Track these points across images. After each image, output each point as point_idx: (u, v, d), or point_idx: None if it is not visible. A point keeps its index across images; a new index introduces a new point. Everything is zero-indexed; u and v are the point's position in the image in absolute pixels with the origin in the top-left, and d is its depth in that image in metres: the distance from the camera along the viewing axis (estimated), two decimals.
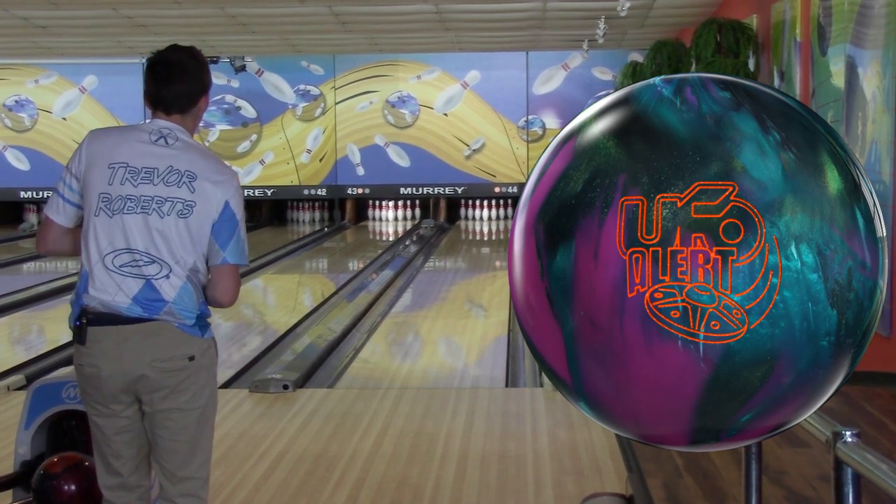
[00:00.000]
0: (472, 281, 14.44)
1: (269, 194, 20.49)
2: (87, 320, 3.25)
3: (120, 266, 3.22)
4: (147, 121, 3.40)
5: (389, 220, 20.89)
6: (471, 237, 19.34)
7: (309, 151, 20.38)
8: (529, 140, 19.77)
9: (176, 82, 3.33)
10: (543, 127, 19.72)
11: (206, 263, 3.32)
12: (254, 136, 20.47)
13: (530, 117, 19.76)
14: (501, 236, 19.09)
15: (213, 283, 3.31)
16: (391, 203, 20.87)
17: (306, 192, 20.43)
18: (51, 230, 3.41)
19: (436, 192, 20.26)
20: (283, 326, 10.40)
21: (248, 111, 20.50)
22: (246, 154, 20.44)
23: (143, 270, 3.22)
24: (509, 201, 20.49)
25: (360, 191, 20.41)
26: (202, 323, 3.31)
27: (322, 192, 20.47)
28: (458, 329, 10.62)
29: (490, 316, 11.44)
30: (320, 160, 20.35)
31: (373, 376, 8.32)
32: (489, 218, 20.65)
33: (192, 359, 3.26)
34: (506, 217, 20.54)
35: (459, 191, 20.19)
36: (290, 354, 8.56)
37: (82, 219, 3.35)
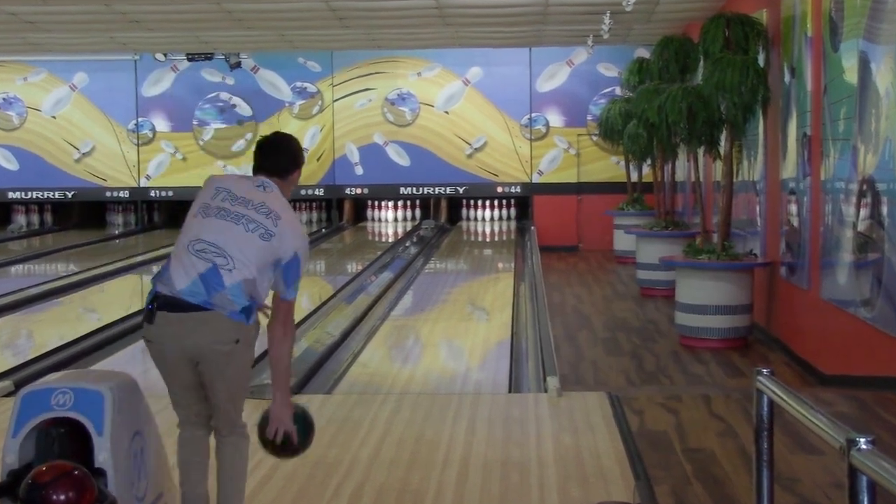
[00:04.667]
0: (474, 283, 14.42)
1: None
2: (157, 304, 4.17)
3: (197, 250, 4.17)
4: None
5: (389, 220, 20.78)
6: (472, 238, 19.28)
7: (306, 150, 20.26)
8: (533, 138, 19.63)
9: (278, 156, 4.44)
10: (547, 125, 19.57)
11: (270, 291, 4.29)
12: (249, 135, 20.30)
13: (533, 115, 19.61)
14: (504, 237, 19.01)
15: (273, 313, 4.28)
16: (391, 203, 20.75)
17: (303, 192, 20.23)
18: None
19: (436, 192, 20.13)
20: None
21: (244, 109, 20.37)
22: (241, 153, 20.30)
23: (214, 259, 4.16)
24: (512, 201, 20.34)
25: (359, 191, 20.30)
26: (248, 312, 4.18)
27: (320, 192, 20.35)
28: (460, 332, 10.60)
29: (492, 319, 11.41)
30: (318, 159, 20.23)
31: (372, 381, 8.30)
32: (491, 218, 20.50)
33: (237, 342, 4.17)
34: (508, 217, 20.42)
35: (461, 190, 20.05)
36: None
37: None
